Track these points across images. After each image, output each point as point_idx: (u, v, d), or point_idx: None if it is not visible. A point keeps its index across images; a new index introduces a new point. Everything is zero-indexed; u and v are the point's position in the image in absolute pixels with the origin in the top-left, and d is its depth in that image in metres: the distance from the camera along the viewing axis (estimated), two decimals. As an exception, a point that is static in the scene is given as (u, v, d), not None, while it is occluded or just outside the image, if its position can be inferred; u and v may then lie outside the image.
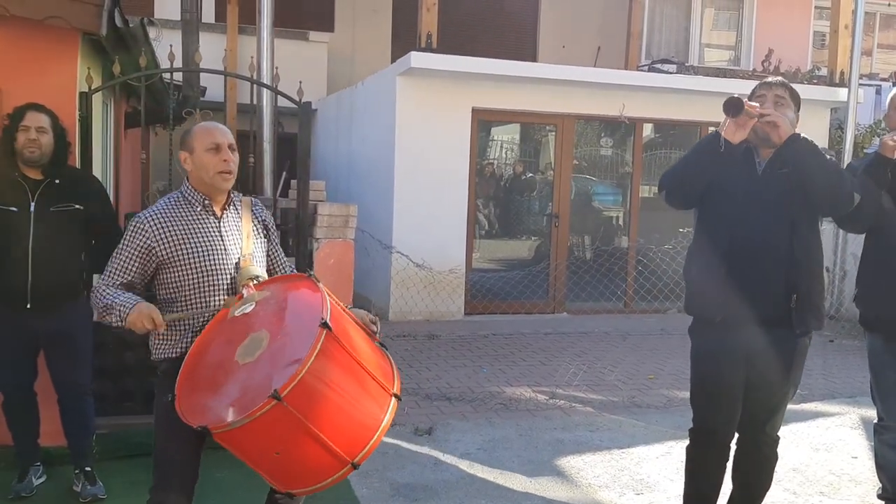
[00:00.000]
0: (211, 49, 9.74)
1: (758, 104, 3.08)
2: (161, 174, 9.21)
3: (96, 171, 4.71)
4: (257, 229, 2.94)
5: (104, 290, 2.70)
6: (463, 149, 8.75)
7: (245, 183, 5.11)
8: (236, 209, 2.91)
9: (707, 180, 3.09)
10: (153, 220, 2.74)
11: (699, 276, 3.21)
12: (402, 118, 8.52)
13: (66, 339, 3.79)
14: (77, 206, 3.75)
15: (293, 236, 4.89)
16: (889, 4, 14.16)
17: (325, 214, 5.07)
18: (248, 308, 2.65)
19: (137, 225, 2.74)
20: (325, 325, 2.33)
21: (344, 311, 2.63)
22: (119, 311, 2.62)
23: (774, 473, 3.45)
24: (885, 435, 3.55)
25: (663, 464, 4.56)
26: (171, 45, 4.84)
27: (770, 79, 3.23)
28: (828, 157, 3.01)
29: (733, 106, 2.93)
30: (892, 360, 3.43)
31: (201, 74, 7.22)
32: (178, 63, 7.38)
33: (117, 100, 6.88)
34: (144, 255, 2.72)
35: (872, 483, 4.33)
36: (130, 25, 4.64)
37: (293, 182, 5.26)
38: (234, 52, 10.70)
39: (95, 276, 3.99)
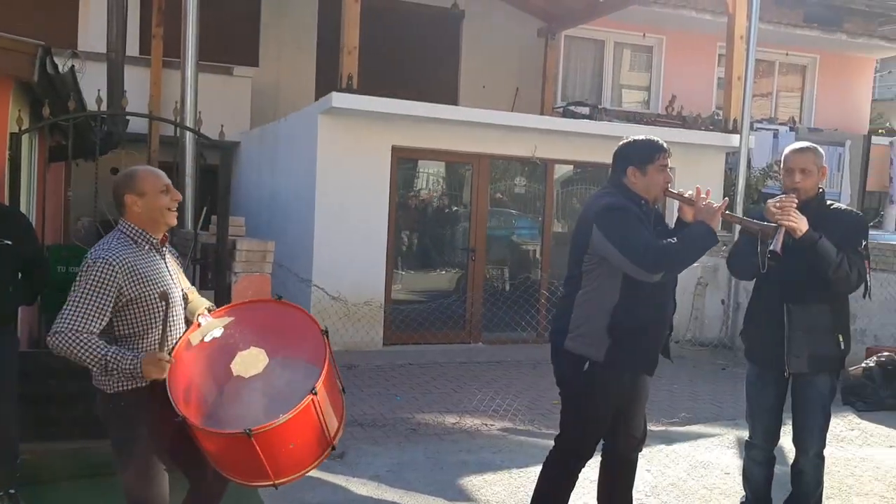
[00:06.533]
0: (135, 83, 9.92)
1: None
2: (82, 206, 9.26)
3: (23, 206, 4.90)
4: (177, 260, 3.21)
5: (91, 341, 2.70)
6: (383, 185, 9.10)
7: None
8: (169, 246, 3.13)
9: None
10: (120, 261, 2.78)
11: (628, 334, 3.34)
12: (324, 155, 8.82)
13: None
14: (6, 242, 3.96)
15: (212, 270, 5.15)
16: (787, 54, 15.22)
17: (243, 250, 5.36)
18: (218, 332, 2.92)
19: (107, 269, 2.75)
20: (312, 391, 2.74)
21: (328, 349, 2.90)
22: (129, 362, 2.71)
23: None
24: (752, 451, 4.05)
25: (557, 482, 4.95)
26: (98, 90, 5.10)
27: (664, 143, 3.46)
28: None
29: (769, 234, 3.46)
30: (762, 388, 3.91)
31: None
32: (103, 97, 7.55)
33: (42, 135, 7.03)
34: (116, 297, 2.77)
35: (741, 495, 4.81)
36: (61, 71, 4.88)
37: (213, 217, 5.53)
38: (158, 86, 10.89)
39: (22, 307, 4.19)
